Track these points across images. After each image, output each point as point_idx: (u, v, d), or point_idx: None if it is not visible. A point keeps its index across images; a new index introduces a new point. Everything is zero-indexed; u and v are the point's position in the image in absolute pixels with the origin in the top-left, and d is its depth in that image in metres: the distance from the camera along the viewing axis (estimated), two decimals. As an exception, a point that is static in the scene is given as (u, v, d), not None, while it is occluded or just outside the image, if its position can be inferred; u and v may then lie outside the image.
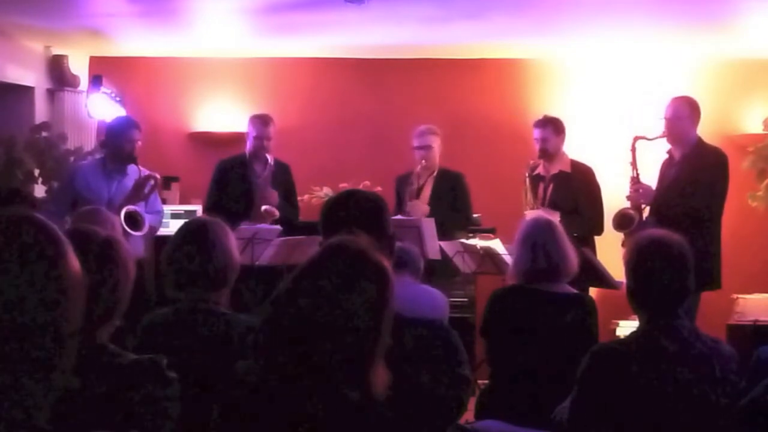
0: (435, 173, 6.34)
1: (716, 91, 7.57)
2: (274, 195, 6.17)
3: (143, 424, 2.09)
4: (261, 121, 6.32)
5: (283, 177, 6.35)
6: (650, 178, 5.76)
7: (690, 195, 5.37)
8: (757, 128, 7.34)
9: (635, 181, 5.73)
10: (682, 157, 5.53)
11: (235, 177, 6.26)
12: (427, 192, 6.31)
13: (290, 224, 6.16)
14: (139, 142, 5.80)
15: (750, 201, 7.06)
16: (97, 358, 2.15)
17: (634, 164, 5.77)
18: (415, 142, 6.33)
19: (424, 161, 6.24)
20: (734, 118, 7.62)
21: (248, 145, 6.34)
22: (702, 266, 4.95)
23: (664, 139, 5.64)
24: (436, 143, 6.32)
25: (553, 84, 7.77)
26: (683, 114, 5.55)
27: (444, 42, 7.30)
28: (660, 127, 5.62)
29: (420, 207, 6.13)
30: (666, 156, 5.71)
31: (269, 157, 6.25)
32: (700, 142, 5.57)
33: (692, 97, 5.69)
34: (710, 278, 5.28)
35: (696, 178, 5.40)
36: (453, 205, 6.25)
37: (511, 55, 7.68)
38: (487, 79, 7.79)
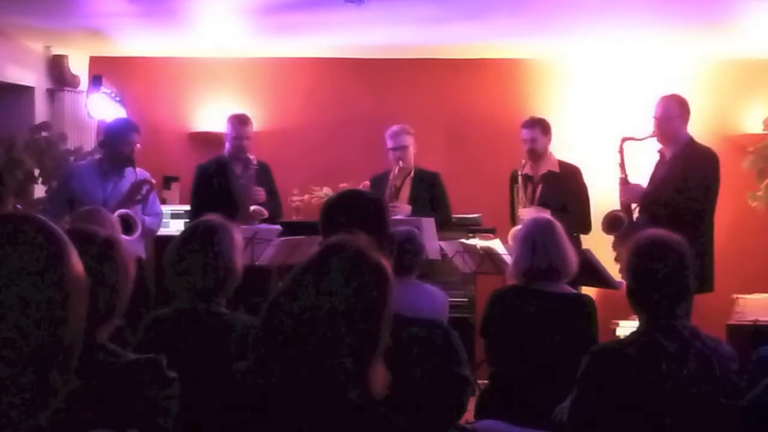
0: (411, 174, 6.32)
1: (716, 91, 7.57)
2: (261, 193, 6.15)
3: (143, 423, 2.09)
4: (239, 120, 6.30)
5: (264, 176, 6.33)
6: (642, 178, 5.74)
7: (680, 194, 5.34)
8: (757, 128, 7.34)
9: (624, 182, 5.70)
10: (673, 155, 5.49)
11: (216, 180, 6.24)
12: (405, 193, 6.29)
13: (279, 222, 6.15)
14: (138, 145, 5.79)
15: (750, 201, 7.05)
16: (97, 357, 2.15)
17: (622, 165, 5.73)
18: (390, 143, 6.29)
19: (401, 162, 6.22)
20: (734, 118, 7.61)
21: (227, 146, 6.33)
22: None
23: (654, 139, 5.61)
24: (411, 143, 6.31)
25: (553, 84, 7.77)
26: (673, 113, 5.51)
27: (444, 42, 7.30)
28: (649, 126, 5.60)
29: (403, 208, 6.12)
30: (658, 156, 5.68)
31: (252, 157, 6.21)
32: (691, 141, 5.53)
33: (681, 95, 5.65)
34: (702, 280, 5.24)
35: (686, 177, 5.36)
36: (432, 205, 6.22)
37: (511, 55, 7.68)
38: (487, 79, 7.79)
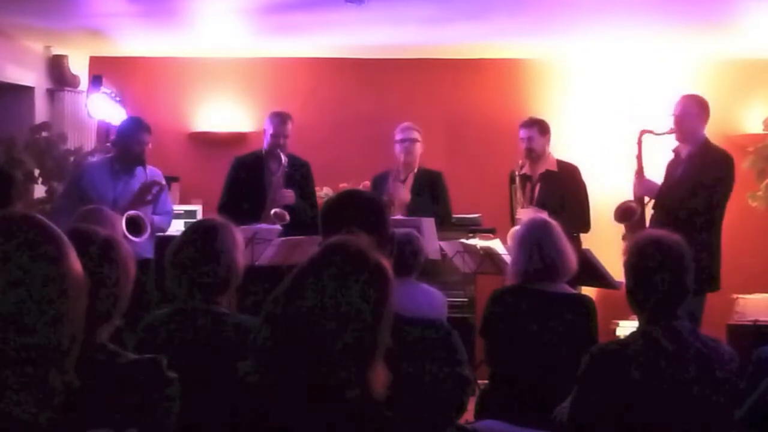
0: (415, 171, 6.34)
1: (716, 91, 7.55)
2: (289, 195, 6.02)
3: (143, 423, 2.09)
4: (279, 118, 6.17)
5: (300, 176, 6.22)
6: (656, 175, 5.75)
7: (695, 196, 5.36)
8: (757, 128, 7.34)
9: (639, 175, 5.74)
10: (689, 155, 5.53)
11: (249, 175, 6.16)
12: (407, 189, 6.32)
13: (301, 225, 5.92)
14: (149, 145, 5.78)
15: (750, 201, 7.05)
16: (97, 357, 2.15)
17: (639, 157, 5.76)
18: (398, 136, 6.33)
19: (405, 154, 6.24)
20: (734, 118, 7.61)
21: (265, 143, 6.22)
22: (702, 267, 4.97)
23: (672, 137, 5.63)
24: (419, 139, 6.35)
25: (553, 84, 7.77)
26: (693, 111, 5.55)
27: (444, 42, 7.31)
28: (668, 123, 5.61)
29: (402, 191, 6.15)
30: (672, 155, 5.70)
31: (283, 157, 6.08)
32: (707, 142, 5.56)
33: (702, 96, 5.68)
34: (710, 279, 5.29)
35: (701, 178, 5.40)
36: (433, 203, 6.23)
37: (511, 55, 7.68)
38: (487, 79, 7.79)
